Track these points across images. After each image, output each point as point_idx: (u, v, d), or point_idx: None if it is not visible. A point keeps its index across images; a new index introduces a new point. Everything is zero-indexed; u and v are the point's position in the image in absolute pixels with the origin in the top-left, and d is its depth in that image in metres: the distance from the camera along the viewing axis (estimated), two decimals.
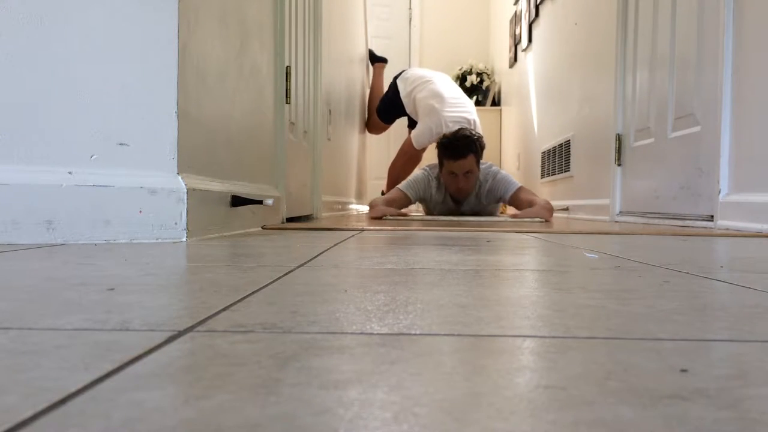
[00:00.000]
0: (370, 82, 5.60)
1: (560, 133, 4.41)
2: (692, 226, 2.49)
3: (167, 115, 1.36)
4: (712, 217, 2.42)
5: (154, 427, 0.27)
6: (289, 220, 2.51)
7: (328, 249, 1.20)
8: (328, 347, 0.41)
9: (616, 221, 3.25)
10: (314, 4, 3.12)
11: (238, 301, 0.58)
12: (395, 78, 4.78)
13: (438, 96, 4.24)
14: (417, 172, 3.58)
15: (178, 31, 1.37)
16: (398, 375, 0.35)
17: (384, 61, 5.69)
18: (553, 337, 0.46)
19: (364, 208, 5.90)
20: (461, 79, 7.48)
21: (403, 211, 3.38)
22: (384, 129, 5.38)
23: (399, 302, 0.59)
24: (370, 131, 5.52)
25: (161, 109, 1.36)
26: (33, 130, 1.31)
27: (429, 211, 3.62)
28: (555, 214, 4.37)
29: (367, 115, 5.43)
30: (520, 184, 3.44)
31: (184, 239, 1.34)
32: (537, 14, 5.10)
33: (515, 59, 6.10)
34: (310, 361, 0.38)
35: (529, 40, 5.41)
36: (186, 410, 0.29)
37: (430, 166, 3.52)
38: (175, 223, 1.33)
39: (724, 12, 2.33)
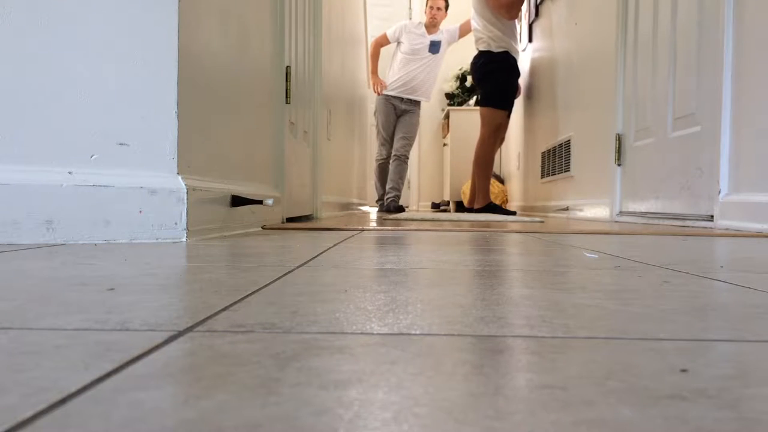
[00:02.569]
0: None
1: (560, 133, 4.41)
2: (692, 226, 2.49)
3: (167, 115, 1.36)
4: (712, 217, 2.42)
5: (154, 427, 0.27)
6: (289, 220, 2.50)
7: (328, 249, 1.20)
8: (328, 347, 0.41)
9: (616, 221, 3.25)
10: (314, 4, 3.12)
11: (238, 301, 0.58)
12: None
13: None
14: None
15: (178, 31, 1.37)
16: (398, 375, 0.35)
17: None
18: (553, 337, 0.46)
19: (365, 208, 5.90)
20: (461, 79, 7.48)
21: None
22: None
23: (399, 302, 0.59)
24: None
25: (161, 109, 1.36)
26: (33, 130, 1.32)
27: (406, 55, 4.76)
28: (555, 214, 4.37)
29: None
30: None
31: (184, 239, 1.34)
32: (537, 14, 5.10)
33: None
34: (310, 361, 0.38)
35: (530, 39, 5.41)
36: (186, 410, 0.29)
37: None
38: (175, 223, 1.33)
39: (724, 12, 2.33)
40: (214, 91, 1.62)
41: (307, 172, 2.98)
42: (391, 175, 4.77)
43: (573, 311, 0.56)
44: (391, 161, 4.81)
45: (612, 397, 0.32)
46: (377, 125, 4.91)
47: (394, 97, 4.80)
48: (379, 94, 4.83)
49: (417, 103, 4.86)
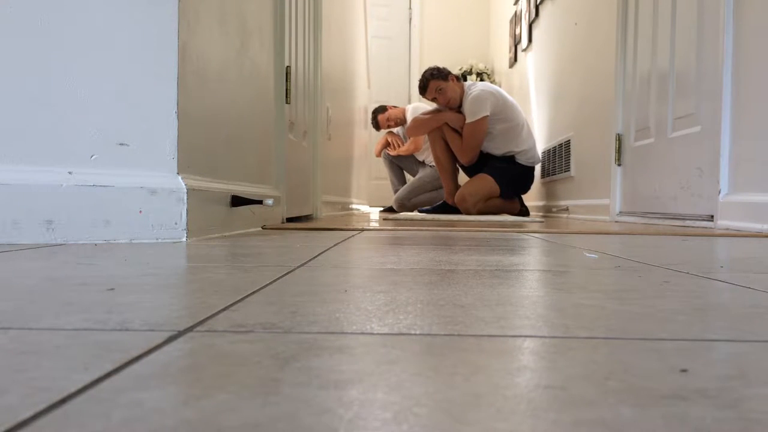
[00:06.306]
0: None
1: (560, 133, 4.41)
2: (692, 226, 2.49)
3: (167, 115, 1.36)
4: (712, 217, 2.42)
5: (154, 427, 0.27)
6: (289, 220, 2.50)
7: (328, 249, 1.20)
8: (328, 347, 0.41)
9: (616, 221, 3.25)
10: (314, 4, 3.12)
11: (238, 301, 0.58)
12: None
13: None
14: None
15: (178, 31, 1.37)
16: (398, 375, 0.35)
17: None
18: (553, 337, 0.46)
19: (365, 208, 5.90)
20: (462, 79, 7.49)
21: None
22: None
23: (399, 302, 0.59)
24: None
25: (161, 109, 1.36)
26: (33, 130, 1.31)
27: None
28: (555, 214, 4.36)
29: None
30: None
31: (184, 239, 1.34)
32: (537, 14, 5.10)
33: (515, 59, 6.09)
34: (310, 361, 0.38)
35: (529, 40, 5.41)
36: (186, 410, 0.29)
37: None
38: (175, 223, 1.33)
39: (723, 12, 2.33)
40: (214, 91, 1.62)
41: (307, 172, 2.98)
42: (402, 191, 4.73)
43: (573, 311, 0.56)
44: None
45: (612, 397, 0.32)
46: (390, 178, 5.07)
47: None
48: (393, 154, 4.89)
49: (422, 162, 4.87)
